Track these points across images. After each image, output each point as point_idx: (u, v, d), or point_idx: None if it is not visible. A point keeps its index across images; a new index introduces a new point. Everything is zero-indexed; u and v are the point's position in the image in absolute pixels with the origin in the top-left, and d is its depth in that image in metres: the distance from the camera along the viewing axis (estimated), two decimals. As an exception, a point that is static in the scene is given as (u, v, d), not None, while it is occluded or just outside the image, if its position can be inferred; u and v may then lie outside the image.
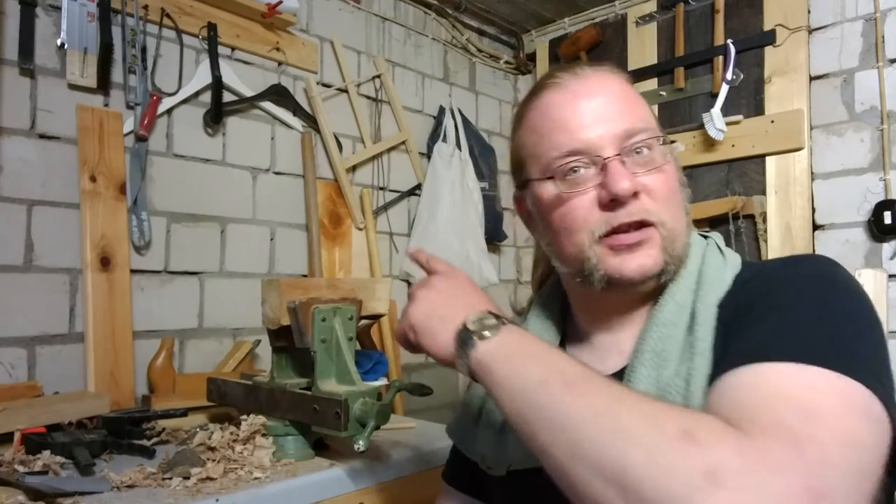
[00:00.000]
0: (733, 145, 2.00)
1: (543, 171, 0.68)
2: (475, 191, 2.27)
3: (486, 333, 0.57)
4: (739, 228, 1.95)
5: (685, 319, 0.65)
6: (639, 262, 0.64)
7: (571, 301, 0.78)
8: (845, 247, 1.84)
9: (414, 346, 0.66)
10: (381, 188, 2.15)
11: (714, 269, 0.67)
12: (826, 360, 0.49)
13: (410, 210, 2.25)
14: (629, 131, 0.65)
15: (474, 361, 0.57)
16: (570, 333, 0.79)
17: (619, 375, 0.67)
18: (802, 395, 0.46)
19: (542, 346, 0.57)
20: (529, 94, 0.73)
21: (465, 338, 0.59)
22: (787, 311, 0.56)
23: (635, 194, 0.64)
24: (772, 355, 0.50)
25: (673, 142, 0.69)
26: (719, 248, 0.70)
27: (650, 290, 0.68)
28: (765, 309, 0.57)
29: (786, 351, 0.50)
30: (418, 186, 2.25)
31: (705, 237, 0.74)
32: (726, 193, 2.03)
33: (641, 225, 0.64)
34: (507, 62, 2.67)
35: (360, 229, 2.05)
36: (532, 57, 2.65)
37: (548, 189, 0.68)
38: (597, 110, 0.66)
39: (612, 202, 0.64)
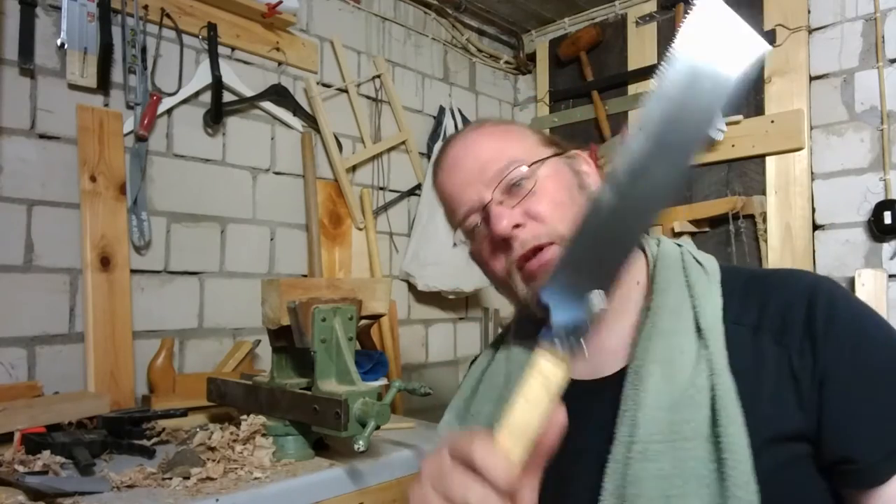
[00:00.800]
0: (733, 145, 2.00)
1: (461, 232, 0.75)
2: (475, 191, 2.26)
3: None
4: (739, 228, 1.94)
5: (689, 329, 0.64)
6: None
7: None
8: (845, 247, 1.84)
9: None
10: (381, 188, 2.15)
11: (701, 283, 0.68)
12: None
13: (410, 210, 2.25)
14: (498, 173, 0.70)
15: None
16: None
17: (613, 379, 0.67)
18: None
19: None
20: (436, 158, 0.80)
21: None
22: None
23: (518, 226, 0.67)
24: None
25: (552, 156, 0.72)
26: (695, 257, 0.71)
27: None
28: (867, 381, 0.58)
29: None
30: (418, 186, 2.25)
31: (678, 245, 0.74)
32: (726, 193, 2.03)
33: (539, 249, 0.67)
34: (507, 62, 2.67)
35: (360, 229, 2.05)
36: (532, 57, 2.65)
37: (468, 246, 0.75)
38: (469, 170, 0.72)
39: (503, 242, 0.68)
